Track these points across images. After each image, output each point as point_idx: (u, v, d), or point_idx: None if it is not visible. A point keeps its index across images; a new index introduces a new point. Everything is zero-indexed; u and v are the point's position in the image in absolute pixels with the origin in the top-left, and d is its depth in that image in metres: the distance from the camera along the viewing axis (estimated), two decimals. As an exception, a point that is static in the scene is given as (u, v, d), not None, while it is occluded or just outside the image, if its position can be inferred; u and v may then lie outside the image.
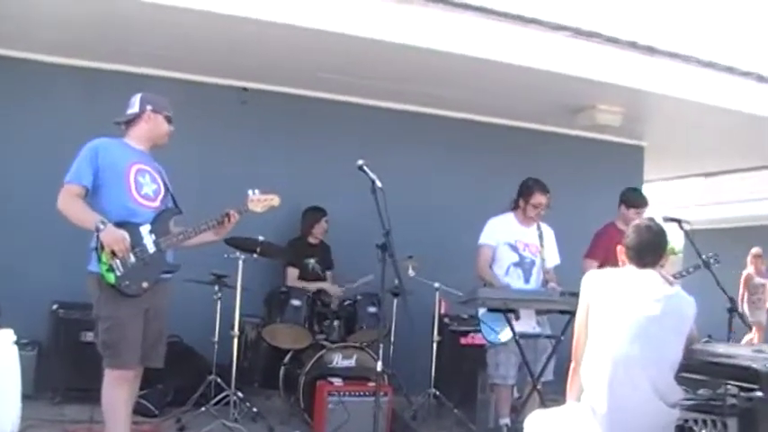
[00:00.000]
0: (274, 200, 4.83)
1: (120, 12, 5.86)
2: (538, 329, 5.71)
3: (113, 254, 4.09)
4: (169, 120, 4.53)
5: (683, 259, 11.37)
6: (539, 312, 5.69)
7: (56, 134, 6.50)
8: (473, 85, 7.42)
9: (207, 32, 6.24)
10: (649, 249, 3.72)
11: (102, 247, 4.08)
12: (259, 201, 4.75)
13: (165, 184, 4.55)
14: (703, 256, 5.83)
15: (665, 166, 11.12)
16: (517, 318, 5.44)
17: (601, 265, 5.63)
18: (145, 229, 4.29)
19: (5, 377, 4.39)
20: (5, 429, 4.23)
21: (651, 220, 4.04)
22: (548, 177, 6.04)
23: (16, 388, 4.59)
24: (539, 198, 5.92)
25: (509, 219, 6.08)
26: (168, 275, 4.45)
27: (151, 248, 4.28)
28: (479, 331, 6.03)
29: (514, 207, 6.09)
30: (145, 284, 4.22)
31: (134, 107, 4.49)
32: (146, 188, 4.41)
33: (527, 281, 5.95)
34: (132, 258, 4.17)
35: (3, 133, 6.77)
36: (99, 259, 4.13)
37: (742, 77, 7.72)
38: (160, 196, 4.49)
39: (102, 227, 4.05)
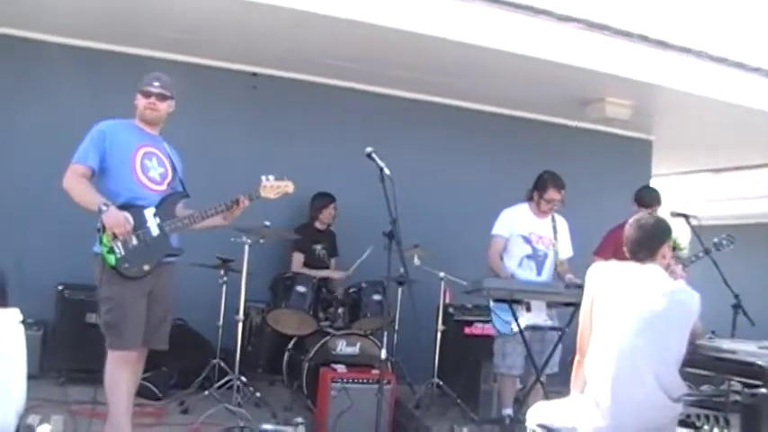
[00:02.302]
0: (288, 186, 4.79)
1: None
2: (549, 322, 5.69)
3: (115, 235, 4.10)
4: (146, 94, 4.41)
5: (688, 254, 11.35)
6: (550, 305, 5.69)
7: (63, 116, 6.47)
8: (482, 74, 7.40)
9: (218, 17, 6.24)
10: (640, 246, 3.74)
11: (104, 229, 4.10)
12: (272, 187, 4.72)
13: (173, 168, 4.54)
14: (715, 239, 5.84)
15: (674, 160, 11.09)
16: (528, 309, 5.45)
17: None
18: (149, 212, 4.30)
19: (12, 357, 4.39)
20: (11, 408, 4.25)
21: (648, 215, 4.03)
22: (555, 169, 6.01)
23: (22, 367, 4.60)
24: (552, 194, 5.89)
25: (523, 210, 6.06)
26: (171, 259, 4.45)
27: (155, 231, 4.29)
28: (485, 321, 6.03)
29: (529, 198, 6.06)
30: (146, 267, 4.23)
31: None
32: (152, 171, 4.41)
33: (539, 273, 5.94)
34: (134, 240, 4.18)
35: (10, 114, 6.78)
36: (101, 241, 4.14)
37: (752, 73, 7.69)
38: (167, 180, 4.48)
39: (104, 208, 4.06)
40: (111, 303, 4.18)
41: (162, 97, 4.44)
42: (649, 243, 3.73)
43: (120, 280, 4.18)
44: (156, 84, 4.43)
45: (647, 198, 6.46)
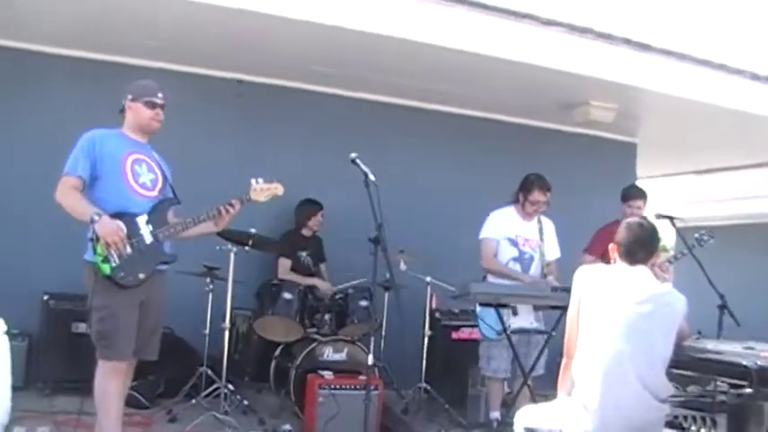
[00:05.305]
0: (278, 188, 4.75)
1: (118, 4, 5.87)
2: (536, 325, 5.70)
3: (108, 245, 4.07)
4: (152, 105, 4.43)
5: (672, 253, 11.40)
6: (536, 308, 5.69)
7: (52, 125, 6.46)
8: (466, 79, 7.41)
9: (203, 24, 6.23)
10: (640, 246, 3.73)
11: (98, 239, 4.07)
12: (262, 190, 4.68)
13: (163, 175, 4.54)
14: (696, 235, 5.89)
15: (658, 163, 11.13)
16: (515, 313, 5.45)
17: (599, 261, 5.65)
18: (142, 220, 4.28)
19: (-4, 368, 4.38)
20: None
21: (644, 217, 4.06)
22: (540, 172, 6.02)
23: (6, 379, 4.57)
24: (537, 196, 5.90)
25: (510, 212, 6.06)
26: (165, 266, 4.44)
27: (148, 239, 4.27)
28: (472, 326, 6.02)
29: (515, 200, 6.06)
30: (141, 275, 4.21)
31: (123, 99, 4.50)
32: (143, 177, 4.40)
33: (525, 275, 5.95)
34: (128, 249, 4.15)
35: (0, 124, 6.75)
36: (94, 250, 4.11)
37: (735, 75, 7.73)
38: (158, 186, 4.48)
39: (96, 218, 4.03)
40: (104, 312, 4.14)
41: (163, 108, 4.49)
42: (648, 245, 3.73)
43: (114, 289, 4.15)
44: (161, 95, 4.47)
45: (630, 192, 6.50)
